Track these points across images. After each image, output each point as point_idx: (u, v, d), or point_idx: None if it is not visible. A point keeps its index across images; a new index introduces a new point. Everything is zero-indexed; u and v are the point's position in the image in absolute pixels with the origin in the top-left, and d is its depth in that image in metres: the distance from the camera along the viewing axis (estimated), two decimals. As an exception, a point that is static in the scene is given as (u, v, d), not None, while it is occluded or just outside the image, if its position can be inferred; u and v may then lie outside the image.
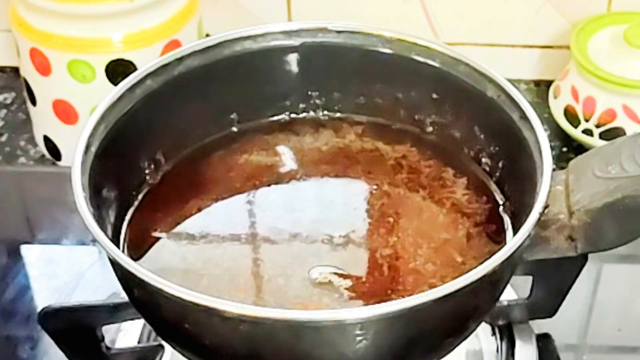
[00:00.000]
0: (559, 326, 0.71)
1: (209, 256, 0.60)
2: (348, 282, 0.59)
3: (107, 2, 0.79)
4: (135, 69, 0.74)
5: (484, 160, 0.65)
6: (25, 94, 0.88)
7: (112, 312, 0.62)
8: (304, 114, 0.70)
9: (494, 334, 0.69)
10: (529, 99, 0.62)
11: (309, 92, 0.69)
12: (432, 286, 0.57)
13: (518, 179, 0.61)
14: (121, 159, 0.62)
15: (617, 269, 0.78)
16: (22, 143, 0.92)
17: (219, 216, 0.63)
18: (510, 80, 0.62)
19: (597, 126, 0.85)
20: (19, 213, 0.87)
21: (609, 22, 0.88)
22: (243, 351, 0.54)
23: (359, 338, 0.52)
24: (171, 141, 0.66)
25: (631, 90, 0.83)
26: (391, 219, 0.63)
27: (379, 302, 0.52)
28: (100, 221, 0.56)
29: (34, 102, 0.87)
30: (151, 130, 0.64)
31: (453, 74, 0.65)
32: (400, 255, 0.60)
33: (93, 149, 0.59)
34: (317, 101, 0.69)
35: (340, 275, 0.59)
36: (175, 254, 0.61)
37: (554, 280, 0.65)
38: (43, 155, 0.90)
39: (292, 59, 0.68)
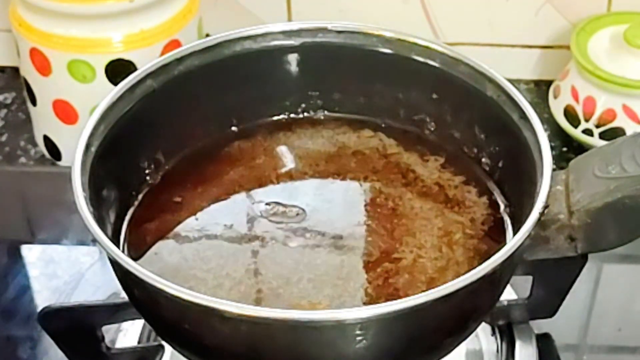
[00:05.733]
0: (559, 326, 0.71)
1: (209, 256, 0.60)
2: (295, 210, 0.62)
3: (107, 2, 0.79)
4: (135, 69, 0.74)
5: (484, 160, 0.65)
6: (25, 94, 0.88)
7: (112, 312, 0.62)
8: (304, 114, 0.70)
9: (494, 334, 0.69)
10: (529, 99, 0.62)
11: (309, 92, 0.69)
12: (430, 286, 0.57)
13: (518, 179, 0.61)
14: (121, 159, 0.62)
15: (617, 269, 0.78)
16: (22, 143, 0.92)
17: (218, 216, 0.63)
18: (510, 80, 0.63)
19: (597, 126, 0.85)
20: (19, 213, 0.87)
21: (609, 22, 0.88)
22: (243, 351, 0.54)
23: (359, 338, 0.52)
24: (171, 141, 0.66)
25: (631, 90, 0.83)
26: (389, 218, 0.63)
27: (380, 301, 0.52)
28: (100, 221, 0.56)
29: (34, 102, 0.87)
30: (151, 130, 0.64)
31: (453, 74, 0.65)
32: (398, 254, 0.60)
33: (93, 149, 0.59)
34: (317, 101, 0.69)
35: (285, 206, 0.62)
36: (175, 253, 0.61)
37: (554, 280, 0.65)
38: (43, 155, 0.90)
39: (292, 59, 0.68)
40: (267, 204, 0.63)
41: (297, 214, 0.62)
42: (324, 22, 0.67)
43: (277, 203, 0.63)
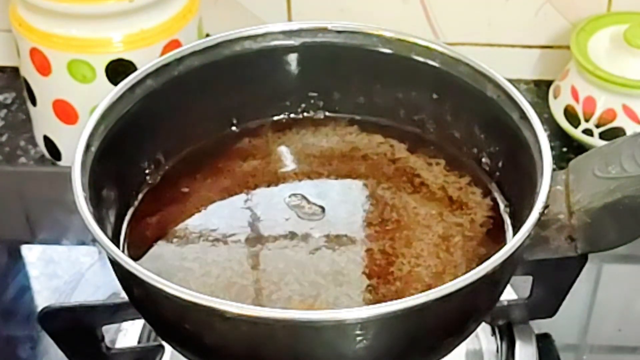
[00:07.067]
0: (559, 326, 0.71)
1: (209, 256, 0.60)
2: (315, 208, 0.62)
3: (107, 2, 0.79)
4: (135, 69, 0.74)
5: (484, 160, 0.65)
6: (25, 94, 0.88)
7: (112, 312, 0.62)
8: (304, 114, 0.70)
9: (494, 334, 0.69)
10: (529, 99, 0.62)
11: (309, 93, 0.69)
12: (430, 286, 0.57)
13: (518, 179, 0.61)
14: (121, 159, 0.62)
15: (617, 269, 0.78)
16: (22, 143, 0.92)
17: (218, 216, 0.63)
18: (510, 80, 0.63)
19: (597, 126, 0.85)
20: (19, 213, 0.87)
21: (609, 22, 0.88)
22: (243, 351, 0.54)
23: (359, 338, 0.52)
24: (171, 141, 0.66)
25: (631, 90, 0.83)
26: (390, 219, 0.63)
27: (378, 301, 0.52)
28: (100, 221, 0.56)
29: (34, 102, 0.87)
30: (151, 130, 0.64)
31: (453, 74, 0.65)
32: (398, 255, 0.60)
33: (93, 149, 0.59)
34: (317, 101, 0.69)
35: (309, 202, 0.63)
36: (176, 254, 0.61)
37: (554, 280, 0.65)
38: (43, 155, 0.90)
39: (292, 59, 0.68)
40: (292, 195, 0.63)
41: (314, 213, 0.63)
42: (324, 22, 0.67)
43: (303, 197, 0.63)
